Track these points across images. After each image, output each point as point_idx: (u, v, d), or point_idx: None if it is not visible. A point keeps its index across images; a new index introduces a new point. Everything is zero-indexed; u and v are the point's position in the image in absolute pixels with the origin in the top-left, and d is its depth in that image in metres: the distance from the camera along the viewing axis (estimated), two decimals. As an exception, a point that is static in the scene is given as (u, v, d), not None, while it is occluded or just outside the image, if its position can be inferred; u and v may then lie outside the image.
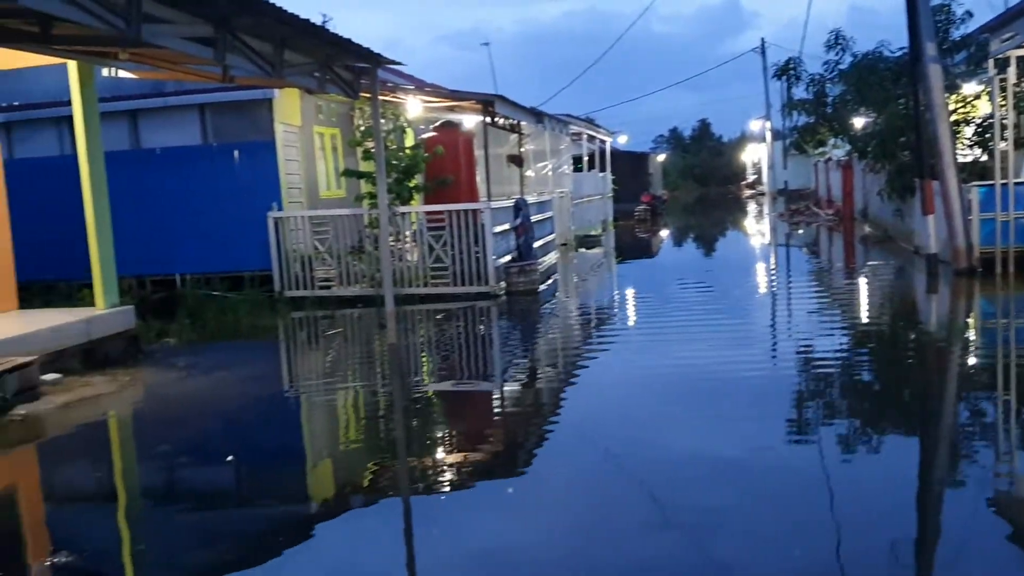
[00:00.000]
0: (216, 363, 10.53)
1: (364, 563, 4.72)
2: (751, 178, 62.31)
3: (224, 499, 6.11)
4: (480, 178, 16.17)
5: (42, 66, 10.76)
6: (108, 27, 6.37)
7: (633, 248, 25.20)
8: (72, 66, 10.20)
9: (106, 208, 10.64)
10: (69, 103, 10.65)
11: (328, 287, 14.45)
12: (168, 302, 14.00)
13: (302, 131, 15.88)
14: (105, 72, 11.97)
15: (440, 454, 6.59)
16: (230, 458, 6.64)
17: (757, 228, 31.69)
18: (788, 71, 23.47)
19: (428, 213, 14.39)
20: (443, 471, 6.17)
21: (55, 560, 4.85)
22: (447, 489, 5.77)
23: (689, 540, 4.65)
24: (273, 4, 7.47)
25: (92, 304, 11.12)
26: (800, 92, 23.70)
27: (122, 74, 12.31)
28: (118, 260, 10.87)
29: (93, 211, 10.45)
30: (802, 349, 9.76)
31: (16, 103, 14.86)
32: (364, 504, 5.72)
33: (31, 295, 12.76)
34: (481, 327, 12.55)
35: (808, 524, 4.77)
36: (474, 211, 14.11)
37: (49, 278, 13.96)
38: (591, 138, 29.83)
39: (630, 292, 15.76)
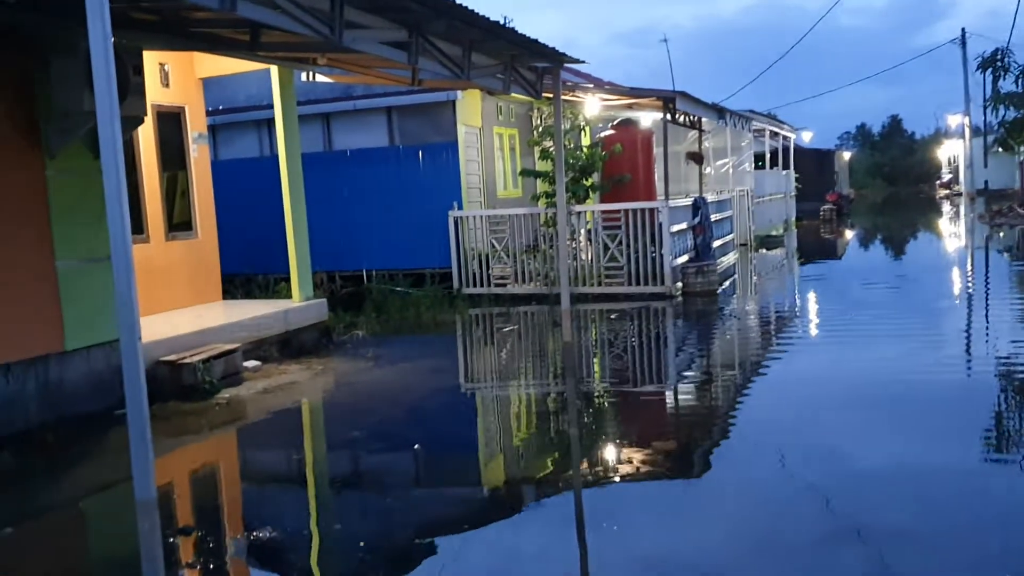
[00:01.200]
0: (400, 355, 10.95)
1: (531, 558, 4.76)
2: (946, 177, 58.41)
3: (406, 485, 6.34)
4: (658, 176, 15.98)
5: (245, 72, 11.55)
6: (314, 34, 6.74)
7: (817, 249, 24.17)
8: (274, 71, 10.89)
9: (303, 206, 11.29)
10: (270, 107, 11.37)
11: (503, 285, 14.72)
12: (355, 296, 14.70)
13: (482, 132, 16.25)
14: (303, 77, 12.70)
15: (611, 454, 6.57)
16: (416, 446, 6.88)
17: (952, 230, 29.64)
18: (995, 62, 21.88)
19: (604, 212, 14.37)
20: (613, 472, 6.14)
21: (254, 535, 5.18)
22: (616, 490, 5.74)
23: (867, 561, 4.40)
24: (465, 8, 7.67)
25: (288, 296, 11.85)
26: (1008, 85, 22.00)
27: (318, 78, 13.02)
28: (311, 256, 11.52)
29: (291, 209, 11.12)
30: (1002, 358, 9.02)
31: (221, 107, 16.01)
32: (534, 499, 5.78)
33: (233, 287, 13.74)
34: (656, 328, 12.41)
35: (1007, 555, 4.40)
36: (651, 210, 13.97)
37: (248, 272, 14.96)
38: (774, 135, 28.87)
39: (813, 295, 15.13)
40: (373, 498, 6.03)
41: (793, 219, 30.62)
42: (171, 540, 5.07)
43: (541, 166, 16.02)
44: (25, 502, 6.10)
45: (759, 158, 28.03)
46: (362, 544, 5.05)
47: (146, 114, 8.77)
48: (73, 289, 7.96)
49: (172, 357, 8.72)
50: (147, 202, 10.51)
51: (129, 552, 5.13)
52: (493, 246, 14.78)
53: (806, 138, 35.67)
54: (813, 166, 36.56)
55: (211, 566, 4.83)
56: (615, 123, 16.09)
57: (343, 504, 6.00)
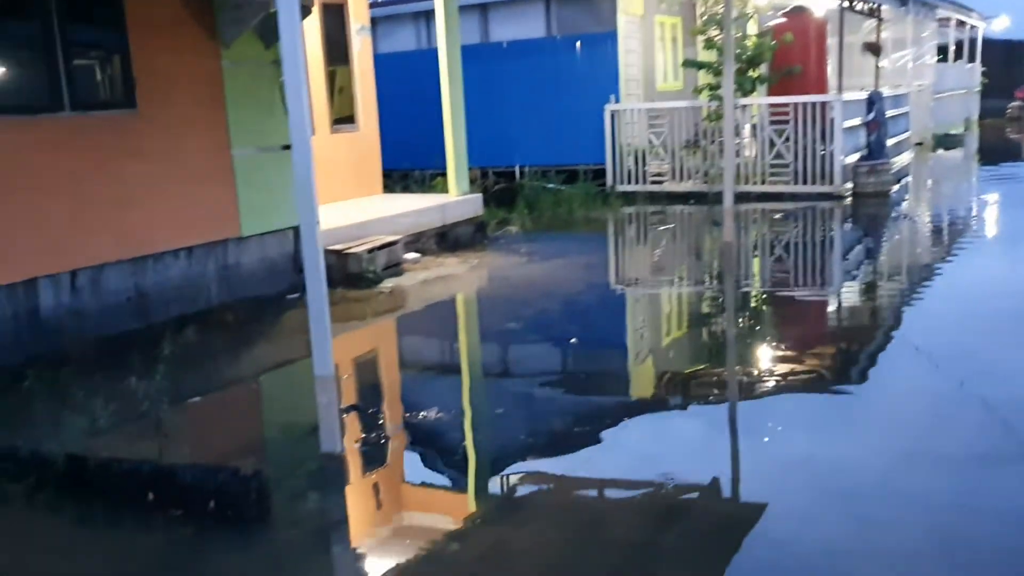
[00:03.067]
0: (553, 251, 10.95)
1: (681, 454, 4.72)
2: None
3: (560, 377, 6.40)
4: (831, 68, 15.03)
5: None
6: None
7: (1000, 151, 22.31)
8: (434, -39, 10.77)
9: (461, 100, 11.28)
10: (429, -2, 11.29)
11: (660, 182, 14.37)
12: (507, 193, 14.72)
13: (643, 21, 15.65)
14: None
15: (766, 358, 6.38)
16: (573, 340, 6.91)
17: None
18: None
19: (772, 106, 13.68)
20: (767, 376, 5.97)
21: (416, 416, 5.37)
22: (769, 394, 5.57)
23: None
24: None
25: (444, 191, 12.00)
26: None
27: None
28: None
29: (450, 102, 11.14)
30: None
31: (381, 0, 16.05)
32: (685, 398, 5.71)
33: (391, 182, 14.03)
34: (822, 230, 11.86)
35: None
36: (822, 104, 13.18)
37: (405, 167, 15.22)
38: (960, 24, 26.49)
39: (994, 200, 14.02)
40: (528, 386, 6.13)
41: (976, 117, 28.31)
42: (341, 416, 5.34)
43: (704, 57, 15.32)
44: (209, 375, 6.55)
45: (941, 50, 25.84)
46: (516, 429, 5.16)
47: (313, 4, 8.89)
48: (247, 177, 8.30)
49: (339, 246, 9.03)
50: (312, 95, 10.76)
51: (303, 425, 5.45)
52: (650, 141, 14.40)
53: (999, 27, 32.50)
54: (1002, 59, 33.44)
55: (375, 442, 5.06)
56: (786, 10, 15.12)
57: (499, 391, 6.14)
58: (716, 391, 5.85)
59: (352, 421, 5.24)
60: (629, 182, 14.55)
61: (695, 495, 4.30)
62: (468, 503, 4.51)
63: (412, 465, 4.95)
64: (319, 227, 4.60)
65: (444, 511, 4.40)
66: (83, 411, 5.27)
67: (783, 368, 6.09)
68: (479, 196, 11.69)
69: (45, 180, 6.65)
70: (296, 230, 8.81)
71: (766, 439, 4.81)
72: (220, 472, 4.11)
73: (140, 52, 7.27)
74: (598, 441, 4.93)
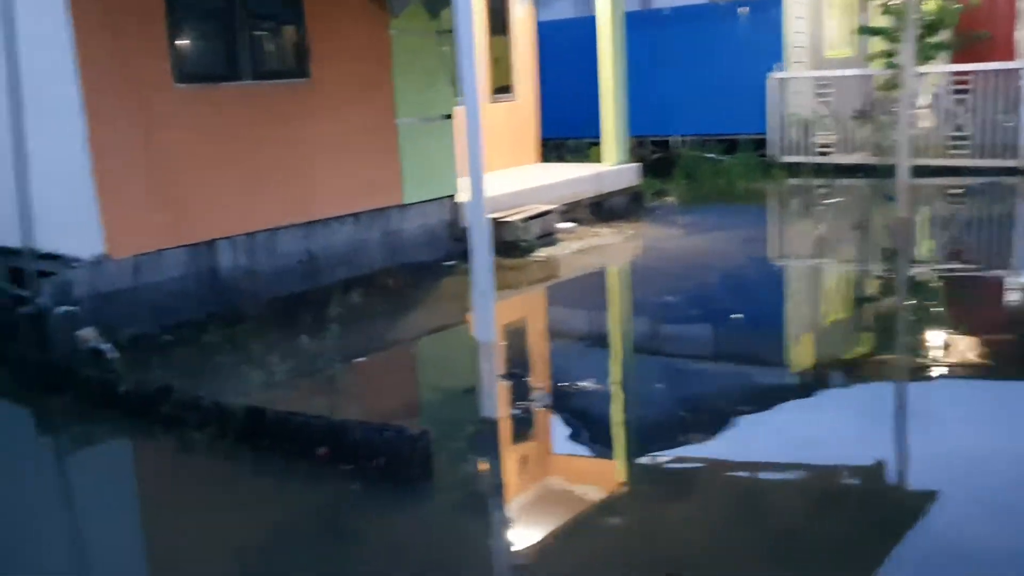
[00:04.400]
0: (711, 223, 10.69)
1: (842, 438, 4.49)
2: None
3: (719, 352, 6.25)
4: (1020, 33, 13.89)
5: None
6: None
7: None
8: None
9: (623, 67, 11.12)
10: (592, -36, 11.14)
11: (826, 153, 13.73)
12: (664, 162, 14.44)
13: (812, -14, 14.91)
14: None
15: (938, 343, 5.98)
16: (734, 316, 6.73)
17: None
18: None
19: (953, 74, 12.78)
20: (939, 360, 5.60)
21: (571, 387, 5.38)
22: (940, 379, 5.23)
23: None
24: None
25: (599, 161, 11.89)
26: None
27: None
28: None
29: (611, 69, 11.00)
30: None
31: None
32: (849, 381, 5.45)
33: (546, 151, 14.01)
34: (1004, 207, 11.04)
35: None
36: (1009, 72, 12.21)
37: (561, 135, 15.16)
38: None
39: None
40: (683, 361, 6.02)
41: None
42: (499, 383, 5.41)
43: (879, 23, 14.46)
44: (372, 336, 6.77)
45: None
46: (671, 403, 5.08)
47: (476, -27, 8.94)
48: (411, 146, 8.49)
49: (495, 215, 9.11)
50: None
51: (460, 388, 5.56)
52: (817, 111, 13.76)
53: None
54: None
55: (531, 410, 5.09)
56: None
57: (654, 365, 6.05)
58: (882, 373, 5.55)
59: (509, 388, 5.30)
60: (793, 152, 13.97)
61: (856, 480, 4.12)
62: (620, 475, 4.49)
63: (566, 434, 4.97)
64: (484, 194, 4.63)
65: (597, 482, 4.39)
66: (259, 365, 5.56)
67: (958, 353, 5.73)
68: (636, 166, 11.53)
69: (225, 146, 7.01)
70: (453, 199, 8.97)
71: (936, 426, 4.53)
72: (387, 430, 4.24)
73: (314, 22, 7.53)
74: (755, 420, 4.79)
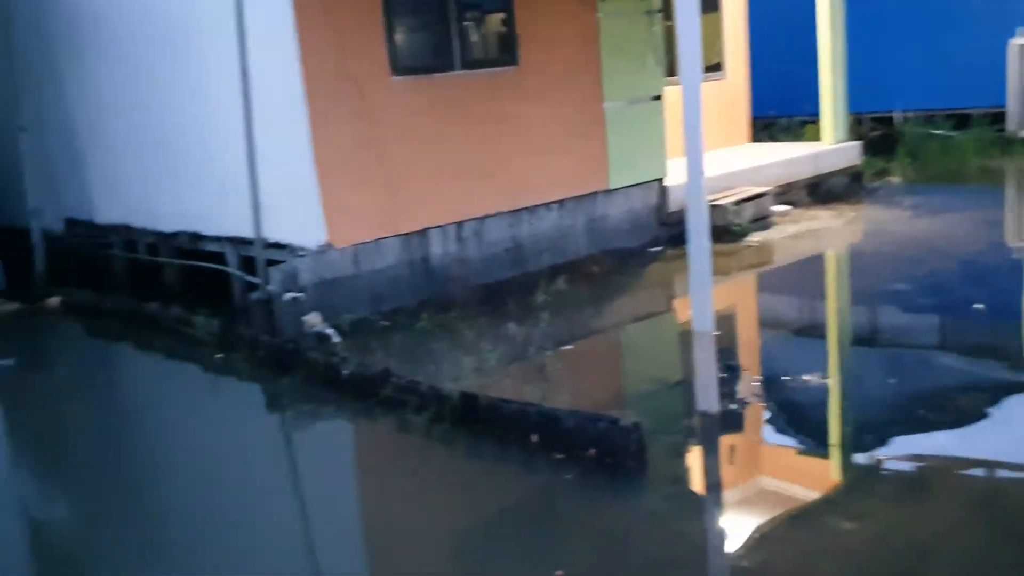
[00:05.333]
0: (942, 205, 9.83)
1: None
2: None
3: (959, 345, 5.70)
4: None
5: None
6: None
7: None
8: None
9: (842, 39, 10.45)
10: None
11: (1077, 126, 12.31)
12: (885, 140, 13.46)
13: (1061, -62, 13.38)
14: None
15: None
16: (978, 306, 6.14)
17: None
18: None
19: None
20: None
21: (793, 380, 5.06)
22: None
23: None
24: None
25: (816, 139, 11.24)
26: None
27: None
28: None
29: (830, 42, 10.36)
30: None
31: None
32: None
33: (755, 130, 13.42)
34: None
35: None
36: None
37: (772, 114, 14.48)
38: None
39: None
40: (914, 354, 5.54)
41: None
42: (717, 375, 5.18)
43: None
44: (579, 323, 6.71)
45: None
46: (901, 399, 4.67)
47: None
48: (617, 130, 8.34)
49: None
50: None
51: (672, 379, 5.37)
52: (1066, 79, 12.34)
53: None
54: None
55: (751, 404, 4.83)
56: None
57: (882, 358, 5.60)
58: None
59: (724, 380, 5.06)
60: (1036, 126, 12.62)
61: None
62: (844, 474, 4.18)
63: (785, 430, 4.68)
64: (703, 176, 4.42)
65: (818, 481, 4.11)
66: (471, 351, 5.63)
67: None
68: (857, 144, 10.81)
69: (437, 137, 7.15)
70: (660, 183, 8.74)
71: None
72: (600, 421, 4.15)
73: (523, 9, 7.53)
74: (995, 419, 4.32)
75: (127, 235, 8.75)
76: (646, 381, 5.55)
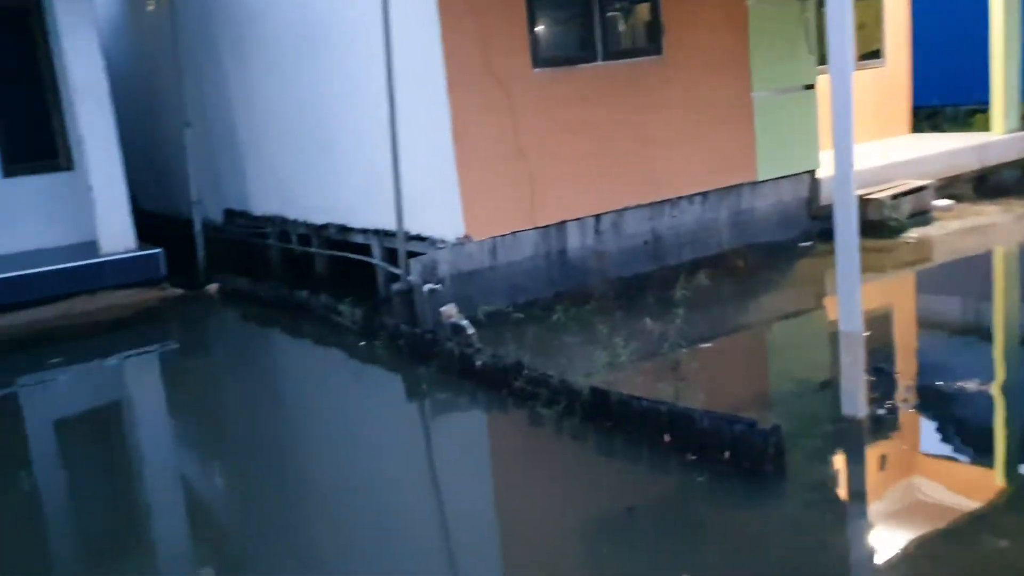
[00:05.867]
0: None
1: None
2: None
3: None
4: None
5: None
6: None
7: None
8: None
9: (1017, 22, 9.70)
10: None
11: None
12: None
13: None
14: None
15: None
16: None
17: None
18: None
19: None
20: None
21: (948, 386, 4.72)
22: None
23: None
24: None
25: (985, 129, 10.49)
26: None
27: None
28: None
29: (1003, 25, 9.64)
30: None
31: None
32: None
33: (917, 120, 12.66)
34: None
35: None
36: None
37: (936, 103, 13.61)
38: None
39: None
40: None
41: None
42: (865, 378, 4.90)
43: None
44: (719, 320, 6.51)
45: None
46: None
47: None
48: (766, 120, 8.04)
49: (860, 191, 8.35)
50: (835, 29, 10.05)
51: (815, 381, 5.12)
52: None
53: None
54: None
55: (901, 410, 4.55)
56: None
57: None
58: None
59: (874, 384, 4.78)
60: None
61: None
62: (1004, 487, 3.85)
63: (939, 439, 4.38)
64: (852, 170, 4.18)
65: (975, 494, 3.79)
66: (605, 346, 5.55)
67: None
68: (1032, 134, 10.03)
69: (577, 129, 7.10)
70: (812, 174, 8.37)
71: None
72: (737, 423, 3.99)
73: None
74: None
75: (281, 226, 9.15)
76: (788, 382, 5.31)
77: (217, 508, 4.50)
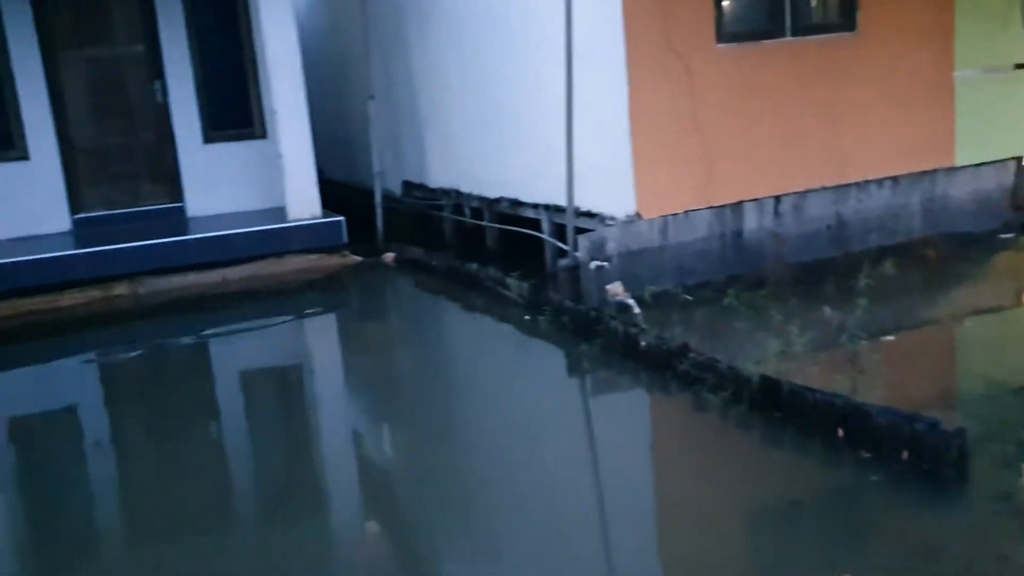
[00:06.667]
0: None
1: None
2: None
3: None
4: None
5: None
6: None
7: None
8: None
9: None
10: None
11: None
12: None
13: None
14: None
15: None
16: None
17: None
18: None
19: None
20: None
21: None
22: None
23: None
24: None
25: None
26: None
27: None
28: None
29: None
30: None
31: None
32: None
33: None
34: None
35: None
36: None
37: None
38: None
39: None
40: None
41: None
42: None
43: None
44: (904, 312, 6.13)
45: None
46: None
47: None
48: (968, 101, 7.45)
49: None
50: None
51: (1010, 383, 4.73)
52: None
53: None
54: None
55: (1117, 424, 4.12)
56: None
57: None
58: None
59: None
60: None
61: None
62: None
63: None
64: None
65: None
66: (778, 334, 5.34)
67: None
68: None
69: (760, 106, 6.83)
70: (1019, 161, 7.71)
71: None
72: (918, 421, 3.74)
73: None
74: None
75: (456, 199, 9.34)
76: (978, 383, 4.94)
77: (384, 465, 4.67)
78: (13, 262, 8.04)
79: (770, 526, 3.60)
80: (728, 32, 6.69)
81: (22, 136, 9.25)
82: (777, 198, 6.95)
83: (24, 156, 9.26)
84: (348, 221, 9.07)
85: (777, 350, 5.16)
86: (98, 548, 3.98)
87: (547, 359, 6.07)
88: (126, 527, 4.19)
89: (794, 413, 4.27)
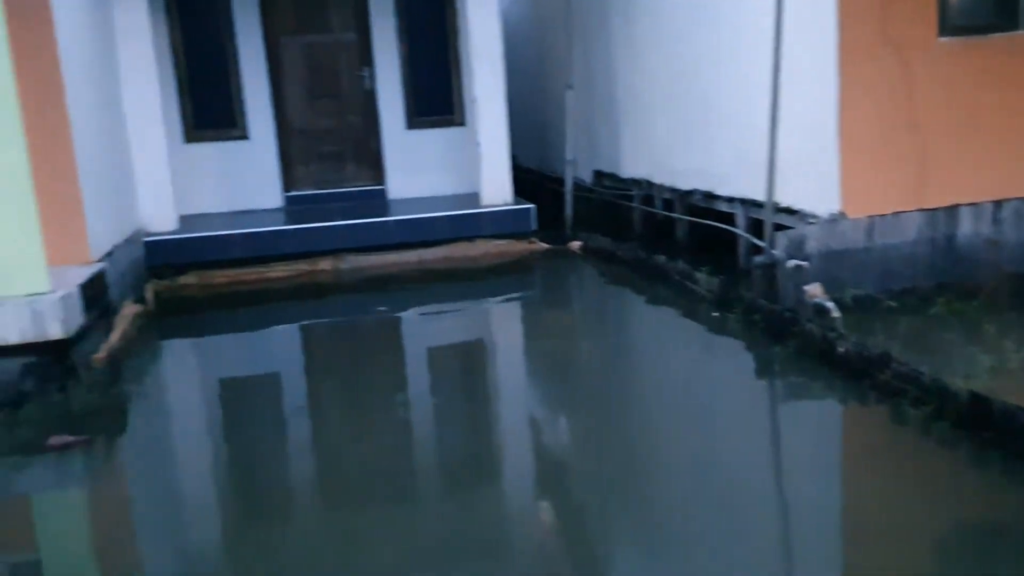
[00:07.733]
0: None
1: None
2: None
3: None
4: None
5: None
6: None
7: None
8: None
9: None
10: None
11: None
12: None
13: None
14: None
15: None
16: None
17: None
18: None
19: None
20: None
21: None
22: None
23: None
24: None
25: None
26: None
27: None
28: None
29: None
30: None
31: None
32: None
33: None
34: None
35: None
36: None
37: None
38: None
39: None
40: None
41: None
42: None
43: None
44: None
45: None
46: None
47: None
48: None
49: None
50: None
51: None
52: None
53: None
54: None
55: None
56: None
57: None
58: None
59: None
60: None
61: None
62: None
63: None
64: None
65: None
66: (991, 348, 4.96)
67: None
68: None
69: (984, 103, 6.34)
70: None
71: None
72: None
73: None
74: None
75: (647, 190, 9.27)
76: None
77: (561, 449, 4.72)
78: (231, 234, 8.72)
79: (966, 550, 3.37)
80: (952, 25, 6.24)
81: (243, 116, 9.99)
82: (998, 203, 6.43)
83: (244, 135, 10.01)
84: (538, 208, 9.20)
85: (988, 366, 4.80)
86: (291, 506, 4.26)
87: (735, 358, 5.92)
88: (317, 489, 4.46)
89: (1005, 433, 3.96)
